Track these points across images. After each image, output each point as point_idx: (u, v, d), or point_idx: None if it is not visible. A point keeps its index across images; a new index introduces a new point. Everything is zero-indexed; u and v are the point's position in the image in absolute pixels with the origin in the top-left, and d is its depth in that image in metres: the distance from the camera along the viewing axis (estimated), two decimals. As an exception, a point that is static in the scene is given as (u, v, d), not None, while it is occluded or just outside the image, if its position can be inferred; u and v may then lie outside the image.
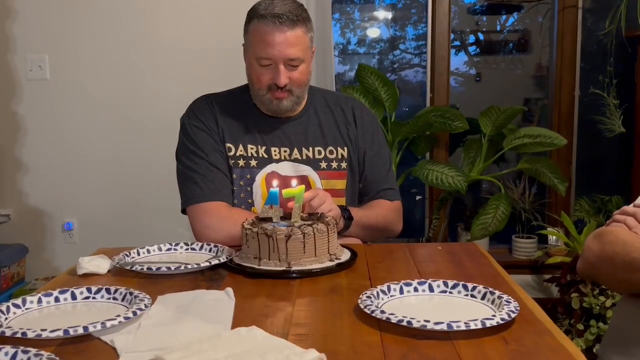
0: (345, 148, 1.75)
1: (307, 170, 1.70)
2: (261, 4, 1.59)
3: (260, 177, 1.68)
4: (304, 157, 1.71)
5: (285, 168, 1.69)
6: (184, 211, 1.67)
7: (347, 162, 1.74)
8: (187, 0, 2.86)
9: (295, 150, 1.70)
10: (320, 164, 1.72)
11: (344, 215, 1.59)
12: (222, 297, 1.15)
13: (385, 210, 1.75)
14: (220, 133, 1.68)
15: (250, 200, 1.67)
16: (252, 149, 1.68)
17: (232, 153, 1.68)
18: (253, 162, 1.68)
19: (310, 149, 1.72)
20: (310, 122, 1.74)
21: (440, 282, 1.16)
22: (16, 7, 2.83)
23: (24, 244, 2.87)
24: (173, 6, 2.85)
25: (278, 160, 1.69)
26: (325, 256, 1.33)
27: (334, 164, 1.73)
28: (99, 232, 2.87)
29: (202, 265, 1.32)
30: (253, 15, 1.59)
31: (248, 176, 1.67)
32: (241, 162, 1.68)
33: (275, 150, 1.69)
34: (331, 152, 1.73)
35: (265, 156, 1.69)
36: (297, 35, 1.57)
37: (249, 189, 1.67)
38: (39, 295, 1.13)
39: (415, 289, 1.15)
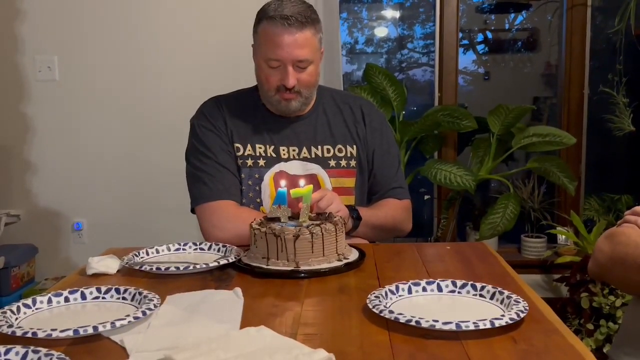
0: (354, 146, 1.75)
1: (315, 168, 1.71)
2: (270, 5, 1.59)
3: (269, 176, 1.68)
4: (313, 155, 1.71)
5: (294, 167, 1.70)
6: (193, 211, 1.68)
7: (356, 161, 1.75)
8: (196, 1, 2.86)
9: (304, 149, 1.71)
10: (329, 162, 1.72)
11: (352, 215, 1.59)
12: (230, 297, 1.15)
13: (394, 210, 1.75)
14: (228, 134, 1.69)
15: (258, 200, 1.68)
16: (260, 148, 1.69)
17: (240, 153, 1.69)
18: (261, 162, 1.69)
19: (319, 147, 1.72)
20: (319, 121, 1.75)
21: (448, 281, 1.16)
22: (25, 8, 2.84)
23: (34, 244, 2.89)
24: (183, 6, 2.86)
25: (287, 159, 1.70)
26: (333, 256, 1.33)
27: (343, 162, 1.73)
28: (109, 232, 2.88)
29: (211, 265, 1.32)
30: (262, 16, 1.60)
31: (256, 176, 1.68)
32: (249, 162, 1.69)
33: (284, 150, 1.70)
34: (340, 151, 1.74)
35: (274, 155, 1.69)
36: (306, 37, 1.57)
37: (257, 188, 1.68)
38: (49, 295, 1.13)
39: (424, 289, 1.15)
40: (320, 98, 1.77)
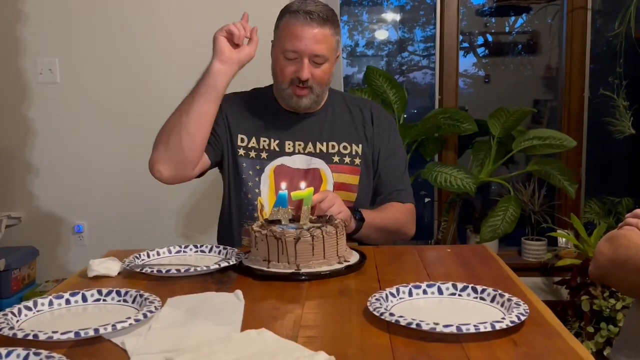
0: (360, 145, 1.77)
1: (319, 163, 1.74)
2: (294, 3, 1.66)
3: (269, 169, 1.73)
4: (318, 150, 1.75)
5: (297, 161, 1.73)
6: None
7: (362, 159, 1.77)
8: (198, 2, 2.87)
9: (310, 144, 1.75)
10: (333, 157, 1.75)
11: (355, 217, 1.60)
12: (231, 299, 1.16)
13: (397, 213, 1.76)
14: (225, 123, 1.74)
15: (257, 190, 1.73)
16: (264, 142, 1.74)
17: (244, 144, 1.74)
18: (264, 155, 1.73)
19: (325, 143, 1.76)
20: (327, 119, 1.78)
21: (449, 284, 1.16)
22: (26, 11, 2.85)
23: (35, 246, 2.89)
24: (183, 8, 2.86)
25: (291, 153, 1.74)
26: (334, 258, 1.33)
27: (347, 159, 1.75)
28: (109, 235, 2.88)
29: (212, 267, 1.33)
30: (285, 11, 1.67)
31: (257, 167, 1.73)
32: (252, 154, 1.74)
33: (289, 144, 1.74)
34: (345, 148, 1.76)
35: (277, 149, 1.74)
36: (325, 34, 1.63)
37: (257, 179, 1.73)
38: (50, 297, 1.14)
39: (425, 292, 1.15)
40: (331, 99, 1.81)
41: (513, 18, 3.80)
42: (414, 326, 0.95)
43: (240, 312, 1.09)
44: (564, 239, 3.03)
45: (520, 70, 3.81)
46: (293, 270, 1.28)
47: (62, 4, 2.84)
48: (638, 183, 3.34)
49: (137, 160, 2.93)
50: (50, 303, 1.13)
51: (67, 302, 1.14)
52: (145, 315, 1.02)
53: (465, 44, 3.81)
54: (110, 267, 1.34)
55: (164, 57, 2.88)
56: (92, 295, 1.16)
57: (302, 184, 1.45)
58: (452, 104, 3.14)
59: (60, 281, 2.66)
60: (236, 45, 1.63)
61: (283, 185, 1.46)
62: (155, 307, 1.07)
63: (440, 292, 1.15)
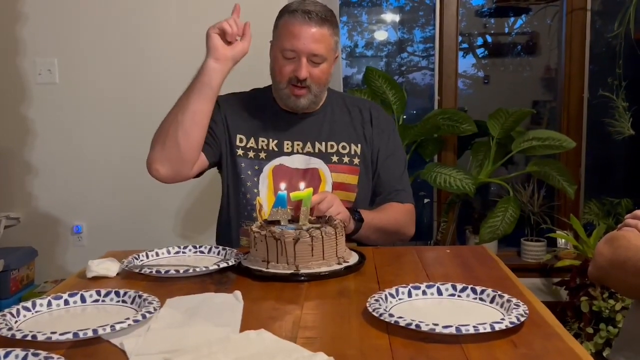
0: (359, 145, 1.78)
1: (318, 163, 1.74)
2: (293, 3, 1.67)
3: (268, 168, 1.73)
4: (316, 150, 1.75)
5: (296, 160, 1.73)
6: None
7: (360, 159, 1.77)
8: (197, 3, 2.86)
9: (309, 144, 1.75)
10: (332, 157, 1.75)
11: (354, 217, 1.60)
12: (230, 300, 1.15)
13: (397, 213, 1.76)
14: (224, 123, 1.74)
15: (256, 190, 1.73)
16: (263, 142, 1.74)
17: (243, 144, 1.74)
18: (262, 155, 1.73)
19: (323, 143, 1.76)
20: (326, 119, 1.78)
21: (448, 285, 1.16)
22: (26, 11, 2.84)
23: (34, 246, 2.89)
24: (183, 8, 2.86)
25: (290, 153, 1.74)
26: (333, 259, 1.33)
27: (346, 159, 1.76)
28: (108, 235, 2.88)
29: (211, 268, 1.33)
30: (284, 11, 1.67)
31: (256, 167, 1.73)
32: (251, 154, 1.73)
33: (288, 144, 1.74)
34: (344, 148, 1.77)
35: (276, 149, 1.74)
36: (323, 33, 1.63)
37: (255, 179, 1.73)
38: (49, 298, 1.14)
39: (424, 292, 1.15)
40: (330, 99, 1.81)
41: (512, 19, 3.81)
42: (413, 327, 0.95)
43: (239, 312, 1.09)
44: (563, 240, 3.03)
45: (519, 71, 3.82)
46: (292, 271, 1.28)
47: (61, 4, 2.84)
48: (637, 184, 3.35)
49: (136, 160, 2.93)
50: (49, 304, 1.13)
51: (66, 302, 1.14)
52: (144, 316, 1.02)
53: (465, 45, 3.81)
54: (109, 267, 1.34)
55: (163, 57, 2.87)
56: (90, 296, 1.16)
57: (301, 185, 1.45)
58: (452, 105, 3.14)
59: (59, 282, 2.65)
60: (229, 42, 1.62)
61: (282, 185, 1.46)
62: (154, 307, 1.06)
63: (439, 292, 1.15)
